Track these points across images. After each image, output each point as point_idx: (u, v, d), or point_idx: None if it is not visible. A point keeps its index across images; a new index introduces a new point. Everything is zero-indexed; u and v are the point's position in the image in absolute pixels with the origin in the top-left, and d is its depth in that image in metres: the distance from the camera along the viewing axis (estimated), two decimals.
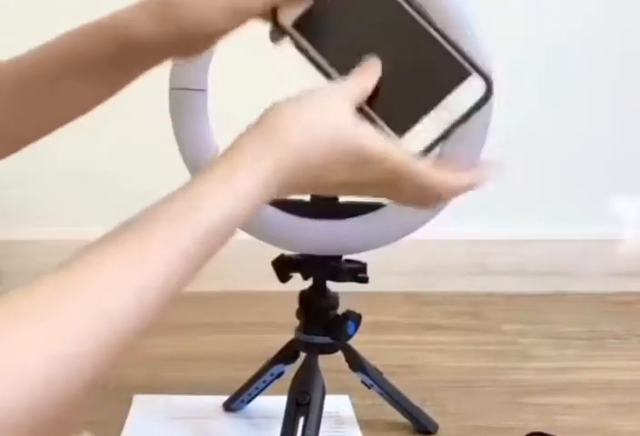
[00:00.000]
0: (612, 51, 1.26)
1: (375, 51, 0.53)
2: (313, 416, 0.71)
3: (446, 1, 0.65)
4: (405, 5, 0.53)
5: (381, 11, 0.54)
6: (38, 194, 1.25)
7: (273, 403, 0.73)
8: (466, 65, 0.53)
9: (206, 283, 1.22)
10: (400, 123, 0.52)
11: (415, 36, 0.54)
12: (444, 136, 0.52)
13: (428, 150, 0.52)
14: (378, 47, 0.54)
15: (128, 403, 0.87)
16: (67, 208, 1.26)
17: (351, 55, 0.54)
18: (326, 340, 0.75)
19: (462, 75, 0.53)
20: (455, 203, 0.71)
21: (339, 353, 0.80)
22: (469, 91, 0.53)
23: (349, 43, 0.55)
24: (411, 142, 0.52)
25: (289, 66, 1.24)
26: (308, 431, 0.70)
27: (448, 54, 0.53)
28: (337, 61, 0.55)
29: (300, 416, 0.71)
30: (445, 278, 1.30)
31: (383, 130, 0.51)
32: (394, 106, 0.53)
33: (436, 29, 0.53)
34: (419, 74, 0.54)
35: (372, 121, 0.50)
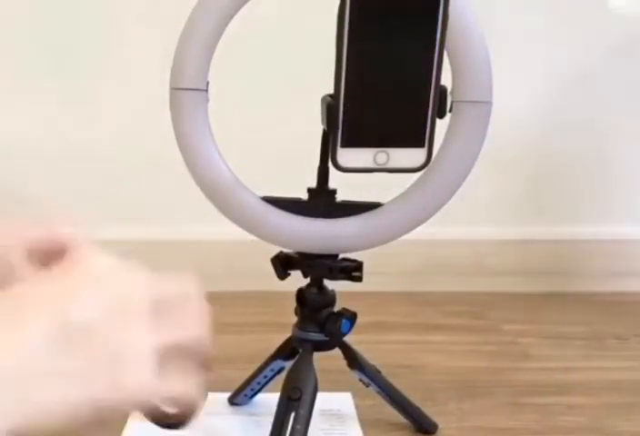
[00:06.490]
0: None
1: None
2: (303, 411, 0.71)
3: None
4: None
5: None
6: (38, 193, 1.25)
7: (276, 401, 0.73)
8: (426, 138, 0.60)
9: (206, 283, 1.22)
10: (351, 139, 0.60)
11: (418, 77, 0.59)
12: (368, 171, 0.61)
13: (350, 171, 0.60)
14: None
15: None
16: (68, 207, 1.26)
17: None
18: (321, 337, 0.75)
19: (416, 143, 0.61)
20: (456, 203, 0.72)
21: (341, 353, 0.80)
22: (411, 155, 0.61)
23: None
24: (344, 156, 0.60)
25: (290, 66, 1.25)
26: (297, 426, 0.70)
27: (425, 114, 0.60)
28: None
29: (291, 411, 0.71)
30: (444, 278, 1.30)
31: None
32: (359, 122, 0.60)
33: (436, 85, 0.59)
34: (395, 110, 0.60)
35: None
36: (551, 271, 1.32)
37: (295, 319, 0.78)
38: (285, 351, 0.80)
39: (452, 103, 0.68)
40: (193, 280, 0.40)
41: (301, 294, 0.77)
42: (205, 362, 0.39)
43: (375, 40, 0.58)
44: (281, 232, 0.71)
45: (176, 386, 0.37)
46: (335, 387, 0.88)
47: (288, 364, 0.79)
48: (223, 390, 0.88)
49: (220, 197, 0.71)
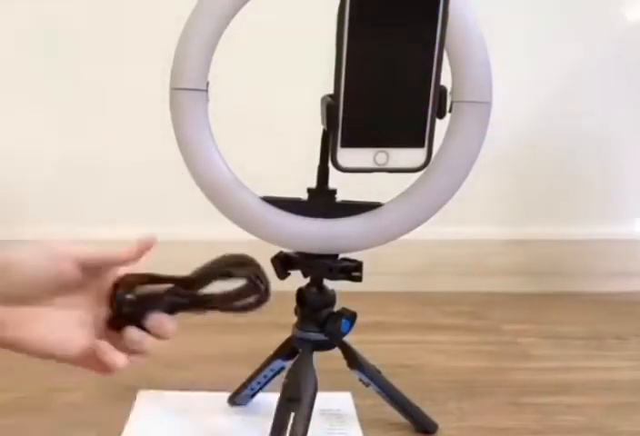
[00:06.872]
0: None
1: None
2: (303, 411, 0.71)
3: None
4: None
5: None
6: (39, 194, 1.26)
7: (276, 401, 0.73)
8: (426, 138, 0.61)
9: None
10: (351, 139, 0.60)
11: (418, 77, 0.59)
12: (368, 171, 0.61)
13: (350, 171, 0.60)
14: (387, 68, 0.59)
15: (131, 401, 0.87)
16: (69, 208, 1.26)
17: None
18: (321, 337, 0.75)
19: (416, 143, 0.61)
20: (456, 203, 0.72)
21: (341, 353, 0.80)
22: (411, 155, 0.61)
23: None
24: (344, 156, 0.60)
25: (289, 66, 1.25)
26: (297, 426, 0.70)
27: (425, 117, 0.60)
28: None
29: (291, 411, 0.71)
30: (445, 278, 1.30)
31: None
32: (359, 121, 0.60)
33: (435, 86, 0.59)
34: (395, 108, 0.60)
35: None
36: (551, 271, 1.32)
37: (294, 319, 0.78)
38: (285, 351, 0.80)
39: (452, 103, 0.68)
40: None
41: (301, 294, 0.77)
42: None
43: (375, 40, 0.58)
44: (281, 232, 0.71)
45: None
46: (335, 387, 0.88)
47: (288, 364, 0.79)
48: (223, 390, 0.88)
49: (220, 197, 0.71)
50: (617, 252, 1.32)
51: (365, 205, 0.72)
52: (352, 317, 0.75)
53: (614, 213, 1.34)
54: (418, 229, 0.73)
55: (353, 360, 0.81)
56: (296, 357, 0.77)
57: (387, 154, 0.61)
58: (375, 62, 0.59)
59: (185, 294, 0.59)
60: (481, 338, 1.12)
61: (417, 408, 0.84)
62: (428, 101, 0.60)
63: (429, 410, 0.85)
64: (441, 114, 0.62)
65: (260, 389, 0.85)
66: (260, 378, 0.84)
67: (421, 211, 0.72)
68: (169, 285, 0.59)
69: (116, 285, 0.59)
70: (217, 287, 0.59)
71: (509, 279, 1.31)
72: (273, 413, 0.72)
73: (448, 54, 0.66)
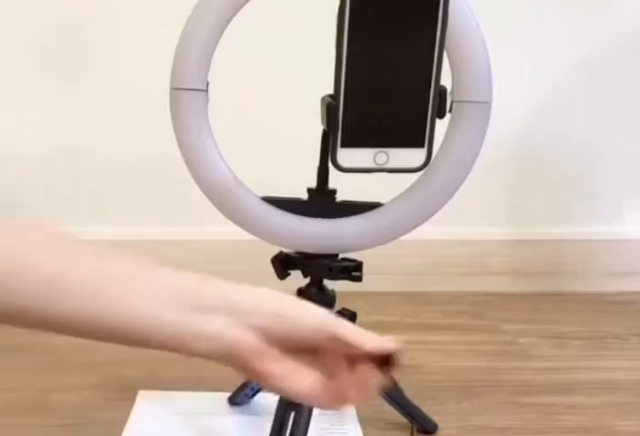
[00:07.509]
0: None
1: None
2: (303, 411, 0.71)
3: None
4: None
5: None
6: (39, 194, 1.25)
7: (276, 401, 0.73)
8: (426, 138, 0.61)
9: None
10: (351, 139, 0.60)
11: (418, 77, 0.59)
12: (368, 171, 0.61)
13: (350, 171, 0.61)
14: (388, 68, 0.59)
15: (131, 401, 0.87)
16: (70, 208, 1.26)
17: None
18: None
19: (416, 143, 0.61)
20: (456, 203, 0.72)
21: None
22: (411, 155, 0.61)
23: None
24: (344, 156, 0.60)
25: (289, 66, 1.25)
26: (297, 426, 0.70)
27: (425, 117, 0.60)
28: None
29: (291, 411, 0.71)
30: (445, 278, 1.30)
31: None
32: (359, 121, 0.60)
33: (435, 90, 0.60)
34: (395, 108, 0.61)
35: None
36: (551, 271, 1.32)
37: None
38: None
39: (452, 103, 0.68)
40: None
41: (301, 294, 0.77)
42: None
43: (375, 40, 0.58)
44: (281, 232, 0.71)
45: None
46: None
47: None
48: (223, 390, 0.88)
49: (220, 197, 0.71)
50: (617, 252, 1.32)
51: (365, 205, 0.72)
52: (352, 317, 0.75)
53: (615, 213, 1.34)
54: (418, 229, 0.73)
55: None
56: None
57: (387, 154, 0.61)
58: (374, 62, 0.59)
59: None
60: (481, 338, 1.12)
61: (417, 408, 0.84)
62: (428, 101, 0.60)
63: (429, 410, 0.85)
64: (441, 114, 0.62)
65: (260, 389, 0.85)
66: None
67: (421, 211, 0.72)
68: None
69: None
70: None
71: (509, 279, 1.31)
72: (273, 413, 0.72)
73: (448, 55, 0.66)
